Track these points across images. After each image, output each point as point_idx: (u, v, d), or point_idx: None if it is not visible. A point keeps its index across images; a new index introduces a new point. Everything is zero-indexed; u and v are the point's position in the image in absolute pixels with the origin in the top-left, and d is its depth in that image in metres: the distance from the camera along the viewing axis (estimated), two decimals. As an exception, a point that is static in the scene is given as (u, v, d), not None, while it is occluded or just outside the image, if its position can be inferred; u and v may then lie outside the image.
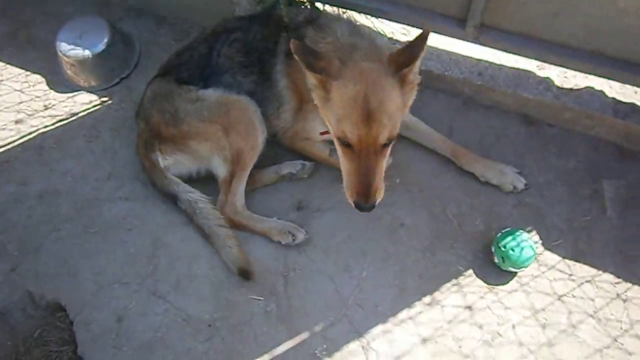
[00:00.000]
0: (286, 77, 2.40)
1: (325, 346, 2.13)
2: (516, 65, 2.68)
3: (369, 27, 2.44)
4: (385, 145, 1.96)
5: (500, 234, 2.24)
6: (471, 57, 2.71)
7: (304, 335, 2.16)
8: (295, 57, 1.90)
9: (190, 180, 2.50)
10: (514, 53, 2.54)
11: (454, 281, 2.26)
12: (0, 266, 2.41)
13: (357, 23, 2.41)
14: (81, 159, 2.71)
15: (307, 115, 2.40)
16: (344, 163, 2.03)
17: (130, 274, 2.34)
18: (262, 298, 2.25)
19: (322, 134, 2.41)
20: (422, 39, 1.88)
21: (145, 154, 2.49)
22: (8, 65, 3.10)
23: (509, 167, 2.48)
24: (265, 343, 2.14)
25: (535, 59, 2.53)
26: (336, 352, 2.11)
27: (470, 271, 2.28)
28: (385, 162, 2.02)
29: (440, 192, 2.49)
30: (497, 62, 2.70)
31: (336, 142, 2.03)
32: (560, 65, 2.51)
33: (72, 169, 2.68)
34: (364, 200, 1.96)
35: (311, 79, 1.98)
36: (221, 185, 2.44)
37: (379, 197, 2.00)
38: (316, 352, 2.12)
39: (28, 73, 3.07)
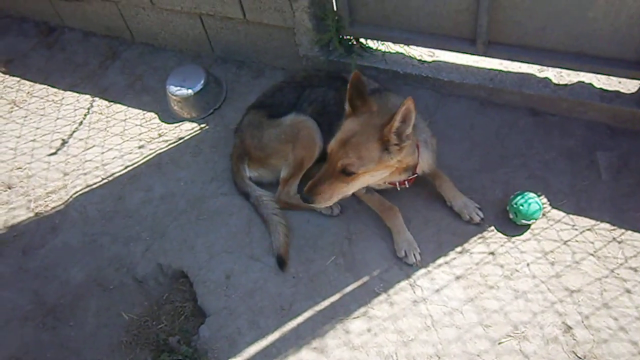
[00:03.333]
0: None
1: (381, 285, 2.77)
2: (520, 70, 3.32)
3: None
4: (345, 174, 2.49)
5: (512, 195, 2.85)
6: (483, 68, 3.38)
7: (365, 279, 2.81)
8: (349, 86, 2.56)
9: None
10: (516, 61, 3.22)
11: (479, 235, 2.86)
12: (137, 248, 3.21)
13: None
14: (190, 169, 3.53)
15: None
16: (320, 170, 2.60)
17: (233, 245, 3.08)
18: (333, 256, 2.94)
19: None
20: (396, 111, 2.38)
21: (236, 163, 3.31)
22: (130, 108, 4.03)
23: (471, 202, 2.92)
24: (336, 285, 2.82)
25: (534, 64, 3.19)
26: (390, 289, 2.75)
27: (492, 227, 2.88)
28: (339, 187, 2.54)
29: (465, 172, 3.12)
30: (505, 69, 3.34)
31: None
32: (554, 67, 3.17)
33: (184, 176, 3.50)
34: (306, 191, 2.56)
35: (346, 106, 2.62)
36: (281, 182, 3.13)
37: (319, 200, 2.54)
38: (375, 289, 2.77)
39: (144, 112, 3.98)
